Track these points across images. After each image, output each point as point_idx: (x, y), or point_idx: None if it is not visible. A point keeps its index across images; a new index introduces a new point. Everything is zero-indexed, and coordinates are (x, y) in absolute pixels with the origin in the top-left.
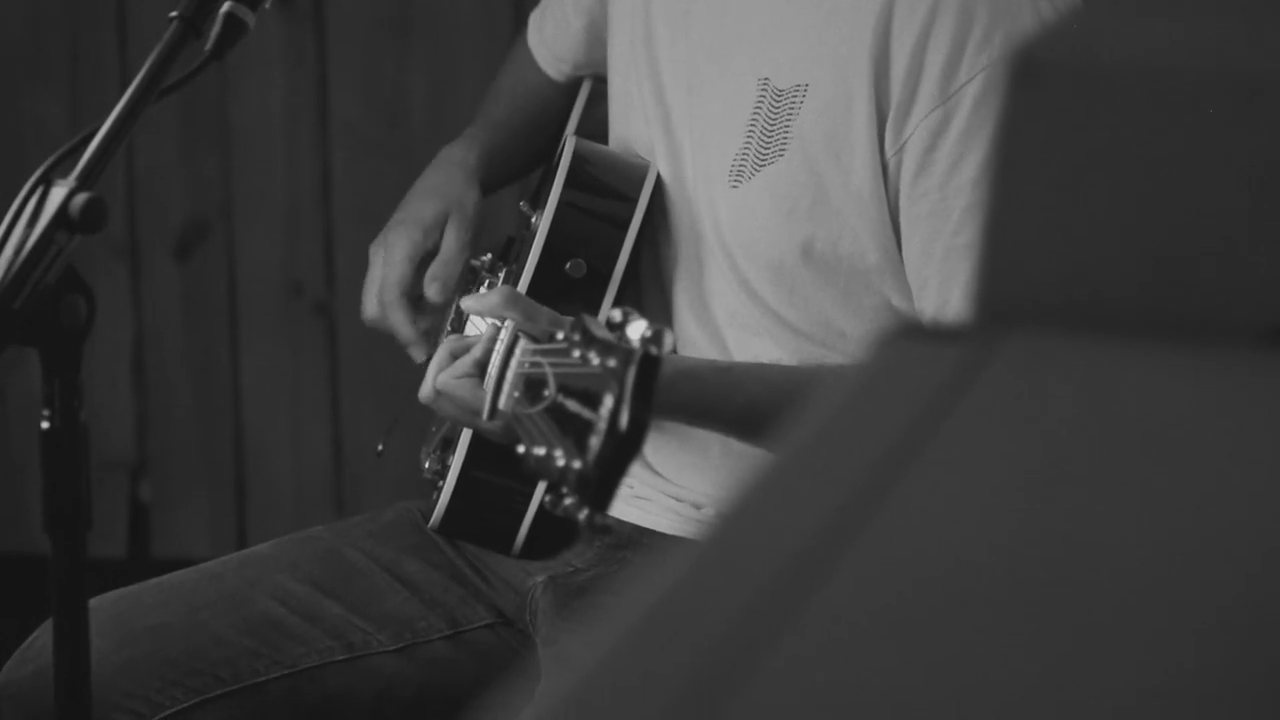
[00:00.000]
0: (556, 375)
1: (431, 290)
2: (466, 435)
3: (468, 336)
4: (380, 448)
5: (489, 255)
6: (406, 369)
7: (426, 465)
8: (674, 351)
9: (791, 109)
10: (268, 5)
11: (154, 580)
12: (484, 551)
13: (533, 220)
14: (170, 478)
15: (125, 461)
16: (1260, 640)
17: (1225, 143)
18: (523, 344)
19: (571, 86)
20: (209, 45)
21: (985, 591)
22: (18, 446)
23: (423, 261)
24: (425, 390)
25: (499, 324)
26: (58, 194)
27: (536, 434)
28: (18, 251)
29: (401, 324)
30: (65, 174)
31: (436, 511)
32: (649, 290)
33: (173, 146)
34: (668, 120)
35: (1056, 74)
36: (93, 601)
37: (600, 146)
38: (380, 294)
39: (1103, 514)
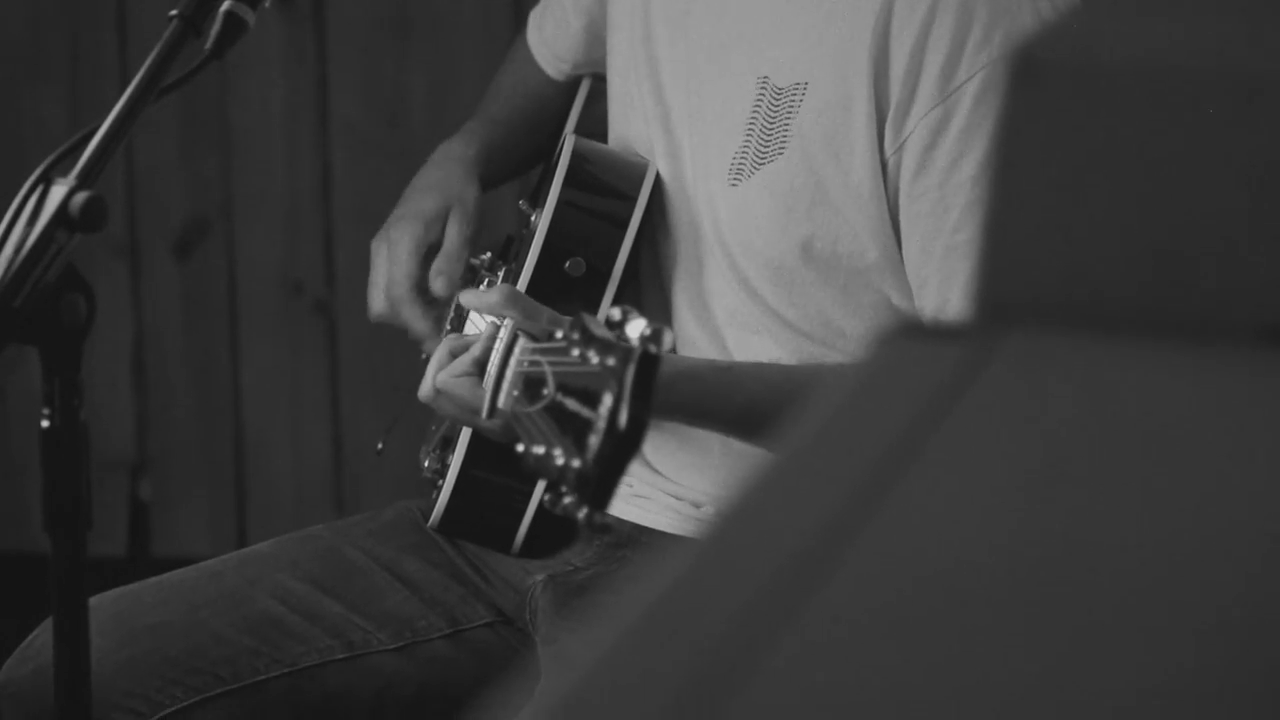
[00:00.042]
0: (556, 374)
1: (437, 284)
2: (466, 434)
3: (467, 335)
4: (380, 446)
5: (488, 254)
6: (406, 368)
7: (426, 464)
8: (673, 350)
9: (791, 107)
10: (268, 4)
11: (154, 579)
12: (484, 550)
13: (532, 219)
14: (170, 476)
15: (125, 460)
16: (1260, 640)
17: (1225, 142)
18: (522, 343)
19: (571, 85)
20: (209, 44)
21: (985, 591)
22: (18, 445)
23: (426, 256)
24: (424, 388)
25: (498, 322)
26: (58, 193)
27: (536, 433)
28: (18, 250)
29: (415, 319)
30: (65, 173)
31: (436, 510)
32: (648, 289)
33: (173, 145)
34: (667, 119)
35: (1056, 73)
36: (93, 600)
37: (599, 145)
38: (388, 289)
39: (1103, 513)
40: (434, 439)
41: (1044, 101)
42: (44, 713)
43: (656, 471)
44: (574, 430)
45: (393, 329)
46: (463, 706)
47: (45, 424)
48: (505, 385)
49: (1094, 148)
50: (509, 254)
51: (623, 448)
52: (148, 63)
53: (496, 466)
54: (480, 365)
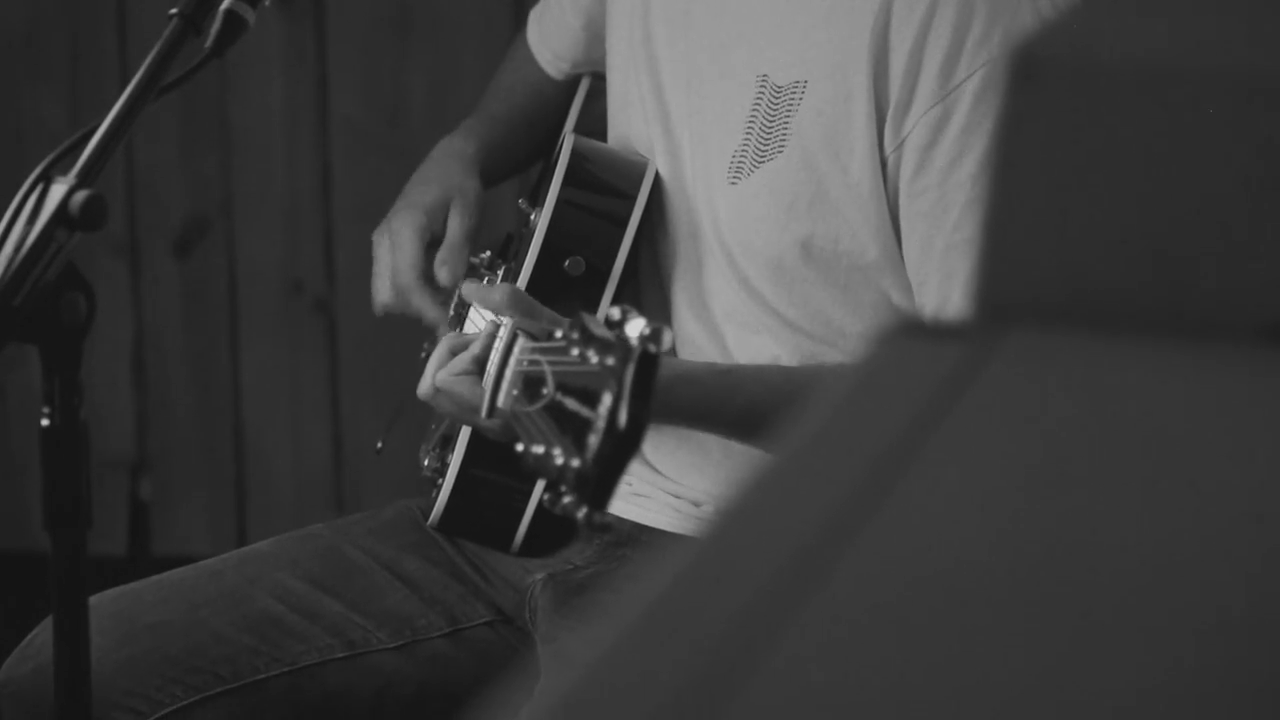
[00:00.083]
0: (555, 373)
1: (441, 274)
2: (465, 433)
3: (466, 334)
4: (380, 445)
5: (488, 252)
6: (406, 367)
7: (426, 463)
8: (673, 348)
9: (790, 106)
10: (268, 3)
11: (154, 578)
12: (483, 549)
13: (531, 218)
14: (170, 475)
15: (125, 459)
16: (1260, 640)
17: (1225, 141)
18: (521, 342)
19: (571, 83)
20: (209, 43)
21: (985, 590)
22: (18, 444)
23: (428, 247)
24: (424, 386)
25: (498, 320)
26: (58, 191)
27: (535, 432)
28: (18, 249)
29: (425, 305)
30: (65, 171)
31: (435, 509)
32: (648, 288)
33: (173, 144)
34: (667, 118)
35: (1056, 71)
36: (93, 599)
37: (599, 144)
38: (393, 278)
39: (1102, 512)
40: (433, 438)
41: (1044, 100)
42: (44, 712)
43: (656, 470)
44: (573, 430)
45: (393, 327)
46: (462, 705)
47: (45, 423)
48: (505, 384)
49: (1094, 146)
50: (508, 252)
51: (622, 447)
52: (148, 61)
53: (496, 465)
54: (480, 363)
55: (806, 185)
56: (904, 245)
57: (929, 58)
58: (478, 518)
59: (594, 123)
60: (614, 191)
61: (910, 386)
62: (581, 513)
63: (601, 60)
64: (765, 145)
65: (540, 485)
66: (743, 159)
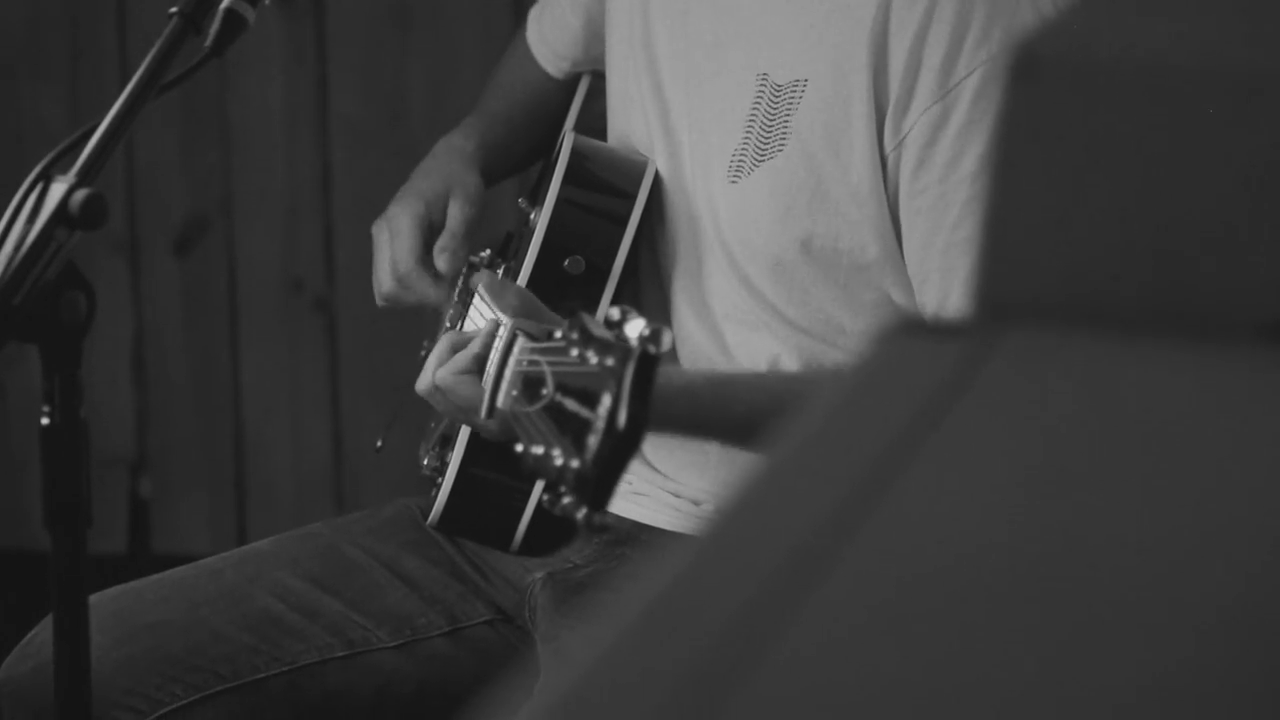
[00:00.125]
0: (555, 374)
1: (441, 261)
2: (465, 432)
3: (467, 331)
4: (379, 444)
5: (488, 250)
6: (406, 365)
7: (425, 462)
8: (673, 349)
9: (790, 104)
10: (268, 2)
11: (154, 576)
12: (483, 548)
13: (531, 216)
14: (170, 474)
15: (125, 457)
16: (1260, 637)
17: (1224, 140)
18: (521, 342)
19: (570, 82)
20: (209, 41)
21: (985, 587)
22: (18, 442)
23: (429, 236)
24: (423, 382)
25: (499, 319)
26: (58, 190)
27: (535, 433)
28: (18, 248)
29: (427, 287)
30: (65, 170)
31: (435, 508)
32: (648, 287)
33: (173, 142)
34: (666, 117)
35: (1056, 70)
36: (93, 598)
37: (599, 143)
38: (394, 266)
39: (1102, 510)
40: (433, 436)
41: (1044, 98)
42: (44, 710)
43: (656, 470)
44: (573, 430)
45: (393, 326)
46: (462, 704)
47: (45, 421)
48: (504, 385)
49: (1094, 145)
50: (508, 251)
51: (621, 448)
52: (148, 60)
53: (495, 465)
54: (481, 361)
55: (807, 184)
56: (904, 244)
57: (928, 56)
58: (477, 517)
59: (594, 121)
60: (614, 190)
61: (910, 385)
62: (581, 513)
63: (601, 59)
64: (765, 144)
65: (540, 484)
66: (743, 158)
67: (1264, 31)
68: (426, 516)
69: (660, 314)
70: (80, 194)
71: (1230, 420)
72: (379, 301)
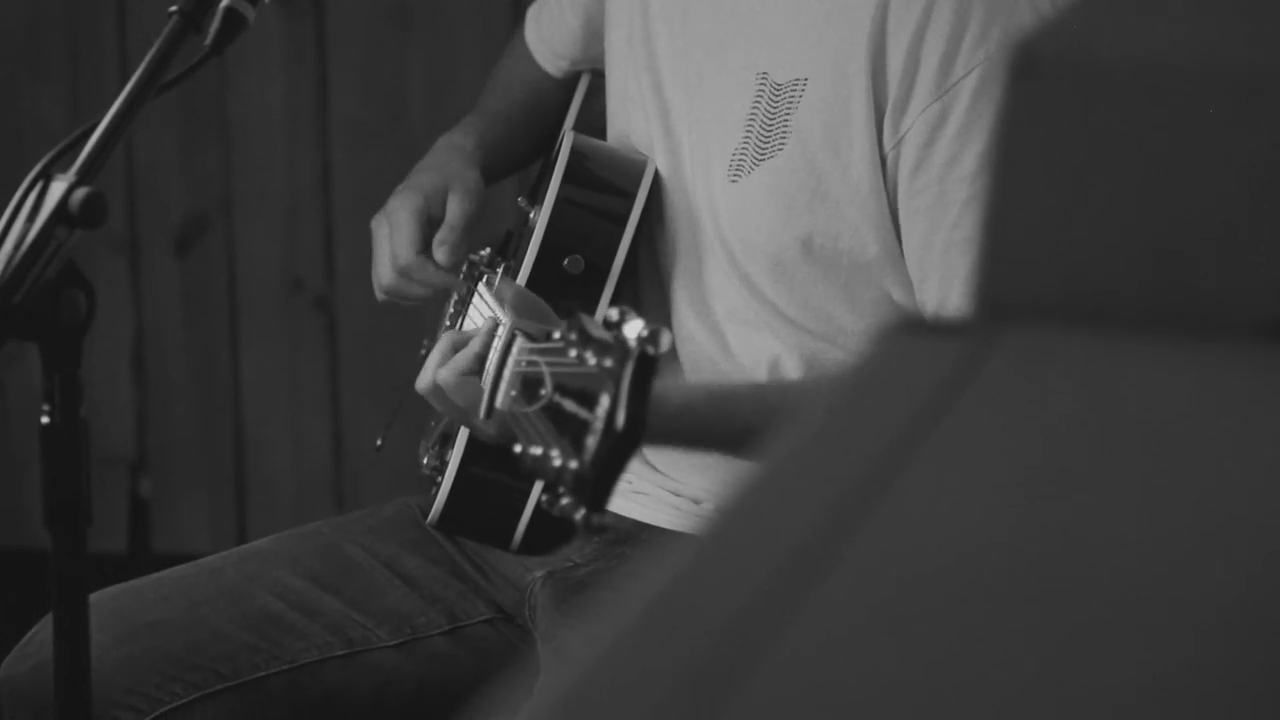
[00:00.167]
0: (553, 375)
1: (441, 254)
2: (465, 431)
3: (467, 330)
4: (379, 443)
5: (488, 249)
6: (406, 364)
7: (425, 461)
8: (673, 349)
9: (790, 103)
10: (268, 1)
11: (154, 575)
12: (483, 547)
13: (531, 215)
14: (170, 473)
15: (125, 456)
16: (1260, 637)
17: (1224, 139)
18: (520, 342)
19: (570, 80)
20: (208, 40)
21: (985, 587)
22: (18, 441)
23: (429, 231)
24: (424, 380)
25: (498, 317)
26: (57, 189)
27: (533, 433)
28: (17, 246)
29: (430, 274)
30: (65, 169)
31: (435, 507)
32: (647, 286)
33: (173, 142)
34: (666, 116)
35: (1056, 69)
36: (93, 597)
37: (598, 142)
38: (394, 260)
39: (1103, 509)
40: (433, 435)
41: (1043, 97)
42: (44, 709)
43: (656, 468)
44: (571, 431)
45: (393, 325)
46: (462, 703)
47: (45, 420)
48: (503, 385)
49: (1093, 144)
50: (508, 250)
51: (620, 449)
52: (147, 59)
53: (495, 464)
54: (482, 360)
55: (807, 183)
56: (903, 243)
57: (926, 55)
58: (477, 516)
59: (594, 120)
60: (613, 189)
61: (910, 384)
62: (580, 514)
63: (600, 58)
64: (765, 143)
65: (540, 483)
66: (743, 157)
67: (1264, 31)
68: (426, 515)
69: (660, 313)
70: (80, 192)
71: (1230, 420)
72: (379, 296)
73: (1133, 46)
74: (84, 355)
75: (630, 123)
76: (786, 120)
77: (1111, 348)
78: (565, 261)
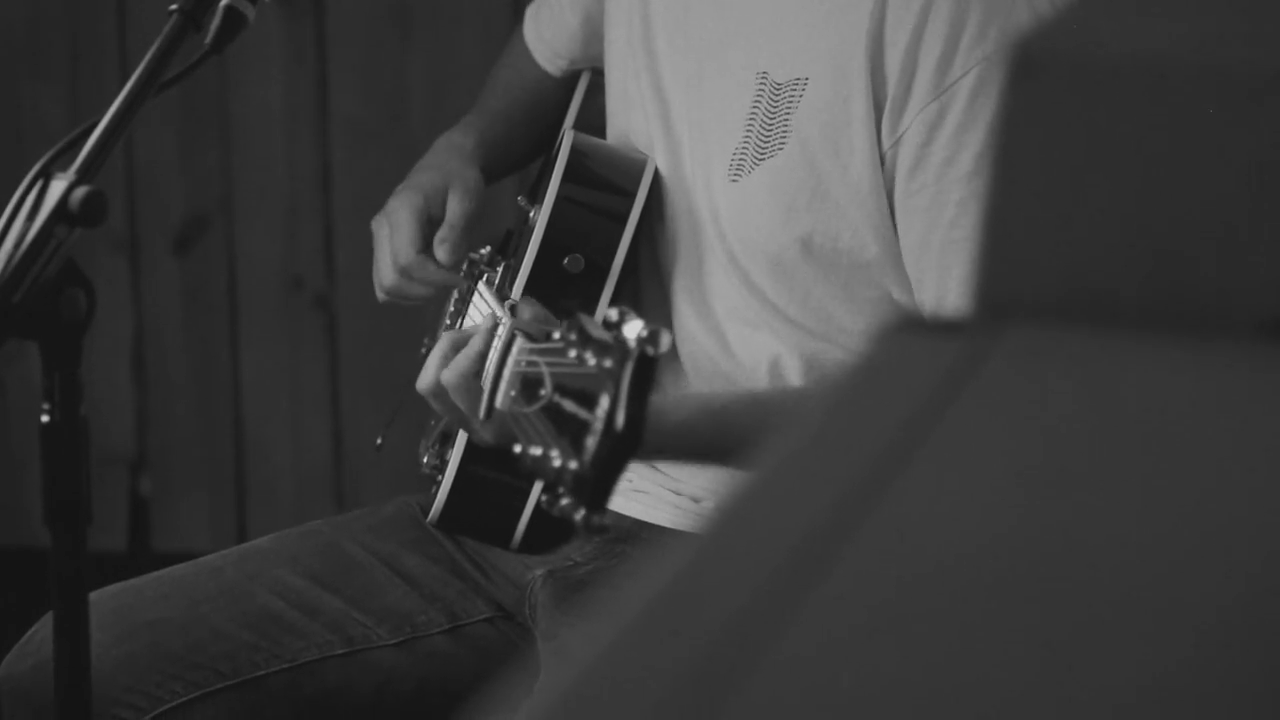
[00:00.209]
0: (553, 375)
1: (441, 253)
2: None
3: (467, 330)
4: (380, 442)
5: (488, 248)
6: (406, 363)
7: (425, 460)
8: (673, 349)
9: (790, 102)
10: (268, 0)
11: (154, 574)
12: (483, 546)
13: (531, 214)
14: (170, 471)
15: (125, 455)
16: (1260, 637)
17: (1224, 138)
18: (519, 343)
19: (570, 79)
20: (209, 39)
21: (984, 586)
22: (18, 440)
23: (429, 230)
24: (425, 380)
25: (498, 316)
26: (57, 187)
27: (533, 434)
28: (17, 245)
29: (432, 271)
30: (65, 167)
31: (435, 506)
32: (648, 285)
33: (173, 140)
34: (667, 115)
35: (1055, 68)
36: (93, 595)
37: (598, 141)
38: (395, 259)
39: (1102, 509)
40: (433, 434)
41: (1042, 97)
42: (44, 707)
43: (655, 467)
44: (571, 432)
45: (393, 324)
46: (462, 702)
47: (45, 419)
48: (503, 386)
49: (1093, 143)
50: (508, 249)
51: (619, 450)
52: (147, 57)
53: (495, 463)
54: (483, 359)
55: (807, 182)
56: (901, 242)
57: (924, 54)
58: (477, 514)
59: (594, 118)
60: (613, 188)
61: (910, 383)
62: (579, 515)
63: (599, 56)
64: (765, 142)
65: (539, 483)
66: (743, 156)
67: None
68: (427, 514)
69: (661, 313)
70: (80, 191)
71: (1230, 419)
72: (380, 296)
73: (1132, 45)
74: (84, 354)
75: (630, 122)
76: (786, 120)
77: (1111, 347)
78: (565, 260)
